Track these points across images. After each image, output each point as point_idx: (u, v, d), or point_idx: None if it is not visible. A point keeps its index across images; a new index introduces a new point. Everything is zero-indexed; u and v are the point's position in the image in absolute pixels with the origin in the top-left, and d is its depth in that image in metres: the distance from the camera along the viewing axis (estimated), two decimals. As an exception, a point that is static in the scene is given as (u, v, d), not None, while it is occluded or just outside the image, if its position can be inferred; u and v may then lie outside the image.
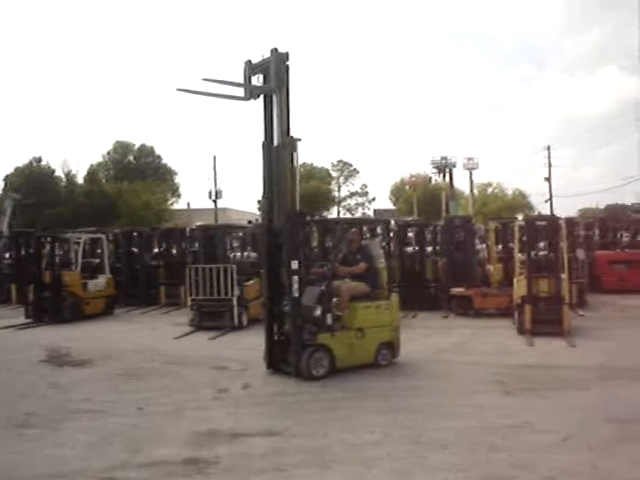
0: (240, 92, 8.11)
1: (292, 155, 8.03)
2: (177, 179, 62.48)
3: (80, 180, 45.82)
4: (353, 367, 7.97)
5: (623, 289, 16.56)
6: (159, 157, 61.21)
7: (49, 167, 44.15)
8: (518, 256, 11.95)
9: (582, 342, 9.91)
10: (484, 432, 5.62)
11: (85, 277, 14.88)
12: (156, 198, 47.76)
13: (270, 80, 7.98)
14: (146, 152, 60.79)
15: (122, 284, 16.53)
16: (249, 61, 8.24)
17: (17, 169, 44.65)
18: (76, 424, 6.18)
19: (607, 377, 7.67)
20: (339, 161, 77.62)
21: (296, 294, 7.65)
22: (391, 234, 14.40)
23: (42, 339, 11.55)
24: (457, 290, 13.82)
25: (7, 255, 20.37)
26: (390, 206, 69.62)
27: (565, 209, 76.18)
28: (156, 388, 7.67)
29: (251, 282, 13.16)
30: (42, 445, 5.58)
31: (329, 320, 7.86)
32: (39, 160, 44.12)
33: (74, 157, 75.80)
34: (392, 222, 15.50)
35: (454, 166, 56.45)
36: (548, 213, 47.64)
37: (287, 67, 7.98)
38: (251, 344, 9.61)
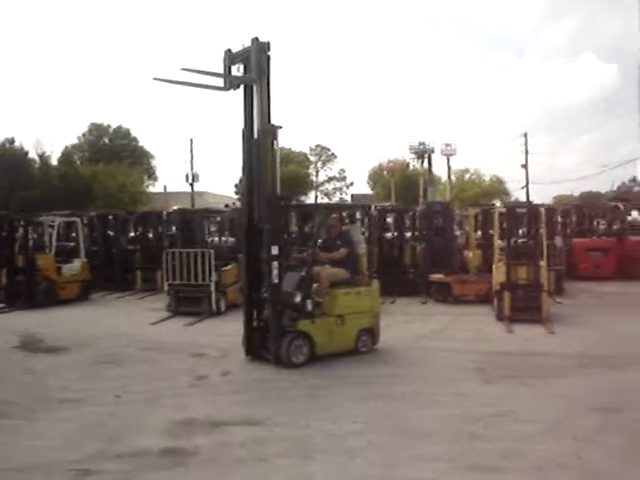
0: (220, 82, 7.93)
1: (272, 142, 7.88)
2: (154, 162, 61.50)
3: (54, 162, 44.89)
4: (333, 354, 7.91)
5: (599, 276, 16.82)
6: (135, 139, 60.10)
7: (22, 148, 43.07)
8: (498, 243, 11.96)
9: (561, 329, 9.98)
10: (466, 421, 5.58)
11: (59, 261, 14.61)
12: (132, 180, 46.92)
13: (251, 70, 7.78)
14: (122, 134, 59.67)
15: (97, 268, 16.21)
16: (229, 50, 8.05)
17: (-11, 150, 43.65)
18: (53, 414, 6.03)
19: (587, 365, 7.72)
20: (317, 145, 77.13)
21: (276, 280, 7.56)
22: (370, 219, 14.42)
23: (15, 324, 11.33)
24: (436, 277, 13.83)
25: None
26: (368, 191, 69.53)
27: (542, 196, 77.31)
28: (133, 375, 7.54)
29: (229, 267, 13.04)
30: (19, 436, 5.43)
31: (309, 306, 7.78)
32: (12, 141, 43.00)
33: (48, 138, 73.77)
34: (372, 207, 15.49)
35: (432, 152, 56.37)
36: (524, 200, 48.26)
37: (268, 57, 7.76)
38: (229, 330, 9.53)
